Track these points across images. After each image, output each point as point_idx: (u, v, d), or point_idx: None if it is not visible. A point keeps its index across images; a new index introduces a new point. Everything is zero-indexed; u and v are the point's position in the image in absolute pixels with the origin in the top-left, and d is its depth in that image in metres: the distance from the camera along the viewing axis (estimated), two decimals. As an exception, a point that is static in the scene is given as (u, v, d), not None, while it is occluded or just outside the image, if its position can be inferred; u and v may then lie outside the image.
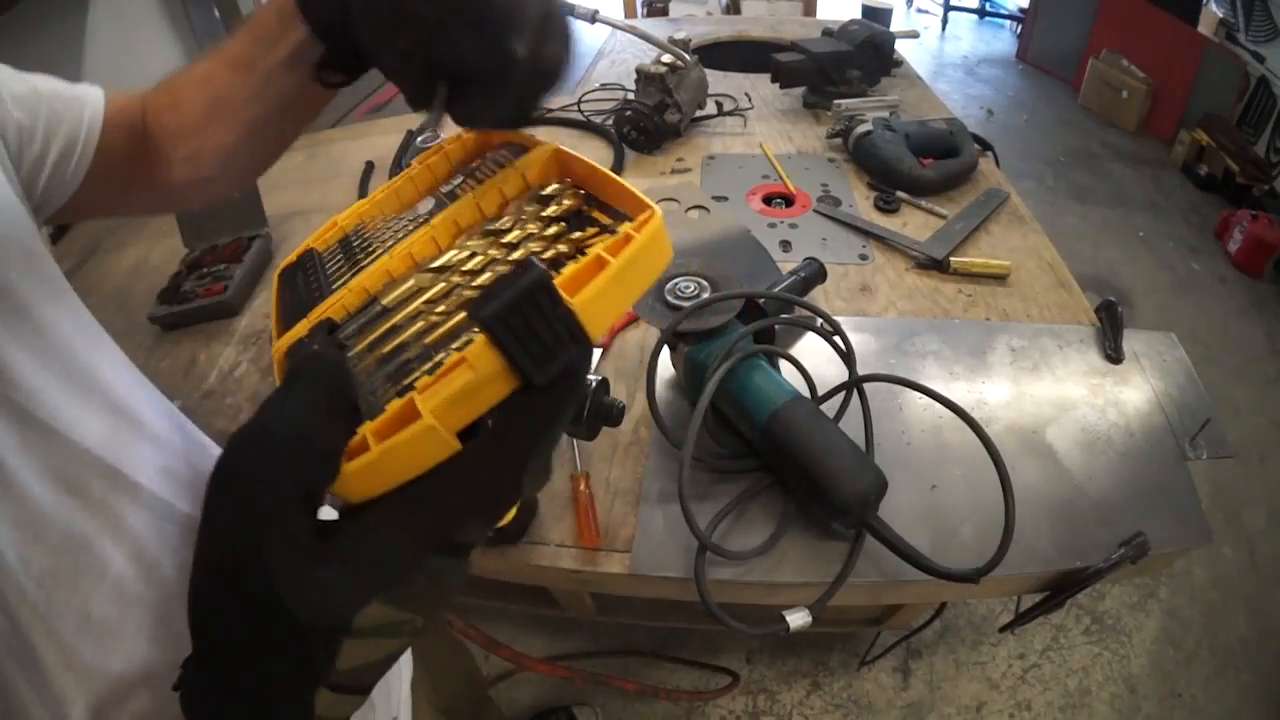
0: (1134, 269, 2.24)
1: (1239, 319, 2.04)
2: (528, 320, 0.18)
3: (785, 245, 0.85)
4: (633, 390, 0.66)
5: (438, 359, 0.22)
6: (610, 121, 1.08)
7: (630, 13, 3.03)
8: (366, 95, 1.29)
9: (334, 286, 0.28)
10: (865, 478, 0.49)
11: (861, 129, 0.99)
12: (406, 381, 0.22)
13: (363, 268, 0.28)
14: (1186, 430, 0.61)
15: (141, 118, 0.41)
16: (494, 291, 0.17)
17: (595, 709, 1.22)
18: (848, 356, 0.58)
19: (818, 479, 0.49)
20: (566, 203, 0.27)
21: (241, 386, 0.70)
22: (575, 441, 0.60)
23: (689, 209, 0.93)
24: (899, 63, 1.31)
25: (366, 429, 0.18)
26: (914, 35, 1.44)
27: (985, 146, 1.03)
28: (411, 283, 0.26)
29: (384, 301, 0.26)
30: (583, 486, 0.56)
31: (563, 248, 0.26)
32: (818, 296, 0.77)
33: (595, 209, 0.26)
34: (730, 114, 1.15)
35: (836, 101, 1.10)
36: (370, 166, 1.06)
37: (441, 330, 0.24)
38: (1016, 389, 0.65)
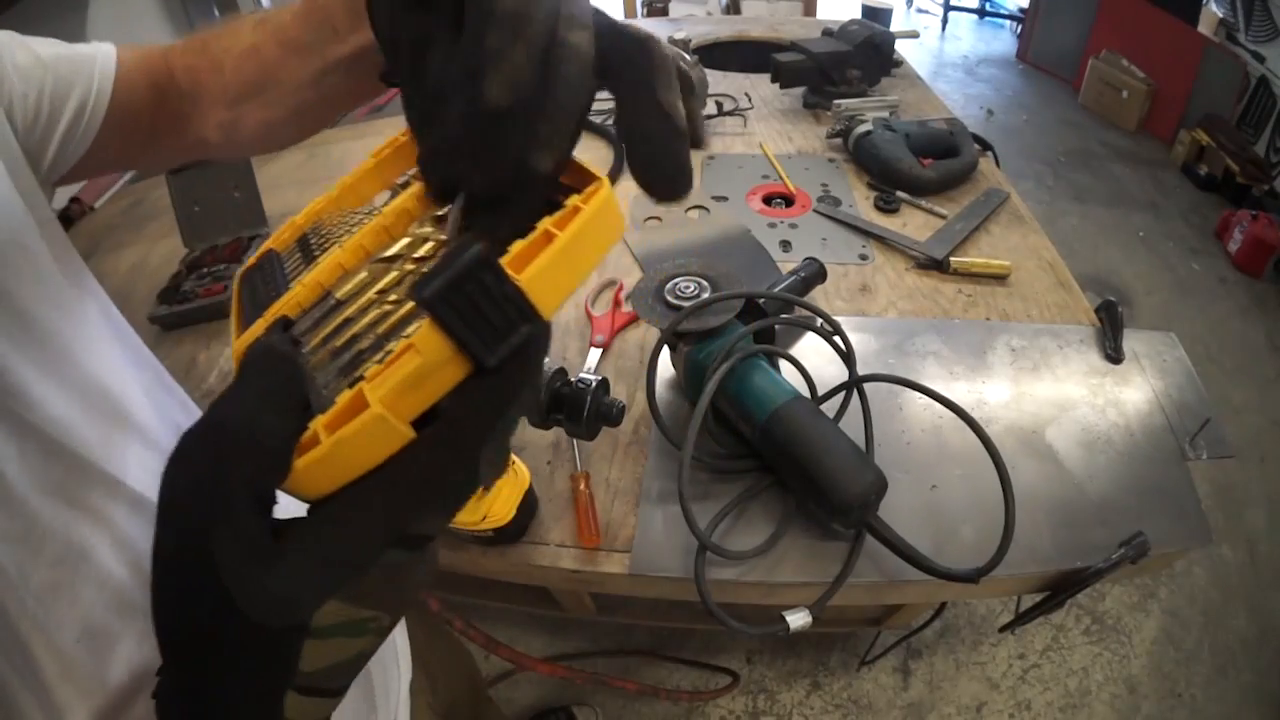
0: (1134, 269, 2.24)
1: (1239, 319, 2.04)
2: (473, 300, 0.17)
3: (785, 245, 0.85)
4: (633, 390, 0.66)
5: (389, 348, 0.22)
6: (610, 121, 1.08)
7: (630, 13, 3.03)
8: (366, 95, 1.29)
9: (290, 285, 0.28)
10: (865, 478, 0.49)
11: (861, 129, 0.99)
12: (358, 373, 0.21)
13: (318, 264, 0.28)
14: (1186, 430, 0.61)
15: (169, 72, 0.39)
16: (435, 272, 0.17)
17: (595, 709, 1.22)
18: (848, 356, 0.58)
19: (818, 479, 0.49)
20: None
21: (241, 386, 0.70)
22: (575, 441, 0.60)
23: (689, 209, 0.93)
24: (899, 63, 1.31)
25: (317, 423, 0.18)
26: (914, 35, 1.44)
27: (985, 146, 1.03)
28: (364, 274, 0.26)
29: (337, 295, 0.26)
30: (583, 486, 0.56)
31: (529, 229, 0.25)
32: (818, 296, 0.77)
33: (564, 193, 0.26)
34: (730, 114, 1.16)
35: (836, 101, 1.10)
36: (370, 166, 1.06)
37: (394, 319, 0.23)
38: (1016, 389, 0.65)
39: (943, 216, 0.89)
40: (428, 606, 0.58)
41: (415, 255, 0.25)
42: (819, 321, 0.59)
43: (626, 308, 0.75)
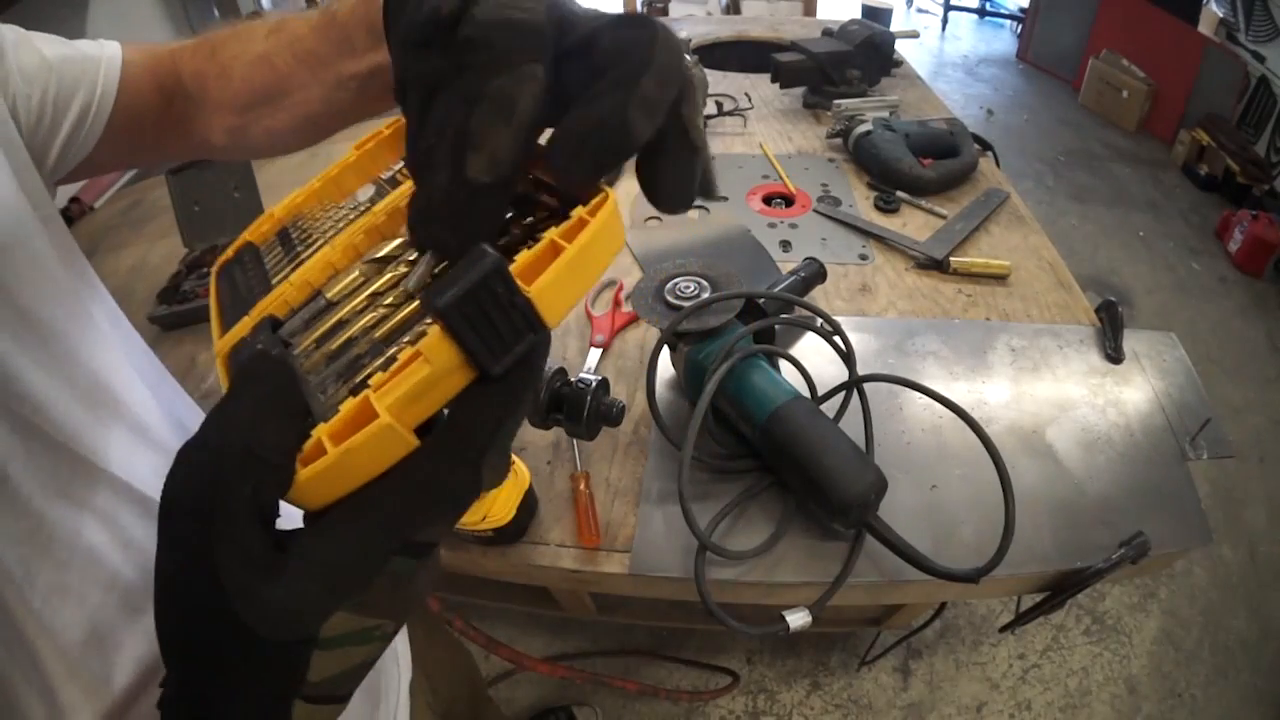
0: (1134, 269, 2.24)
1: (1239, 319, 2.04)
2: (484, 310, 0.17)
3: (785, 245, 0.85)
4: (633, 390, 0.66)
5: (390, 354, 0.22)
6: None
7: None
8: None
9: (274, 281, 0.27)
10: (865, 478, 0.49)
11: (861, 129, 0.99)
12: (359, 379, 0.21)
13: (303, 260, 0.27)
14: (1186, 430, 0.61)
15: (176, 75, 0.39)
16: (448, 281, 0.17)
17: (595, 709, 1.22)
18: (848, 356, 0.58)
19: (817, 479, 0.49)
20: None
21: (241, 386, 0.70)
22: (575, 441, 0.60)
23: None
24: (899, 63, 1.31)
25: (321, 431, 0.17)
26: (914, 35, 1.44)
27: (985, 146, 1.03)
28: (356, 274, 0.25)
29: (328, 295, 0.25)
30: (583, 486, 0.56)
31: (515, 231, 0.25)
32: (818, 296, 0.77)
33: (544, 191, 0.25)
34: (730, 114, 1.15)
35: (836, 101, 1.10)
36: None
37: (391, 323, 0.23)
38: (1016, 389, 0.65)
39: (943, 216, 0.89)
40: (428, 607, 0.58)
41: (410, 257, 0.25)
42: (819, 321, 0.59)
43: (626, 308, 0.75)
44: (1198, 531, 0.54)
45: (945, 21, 4.30)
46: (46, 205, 0.32)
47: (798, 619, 0.48)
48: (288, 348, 0.24)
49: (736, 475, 0.57)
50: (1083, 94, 3.22)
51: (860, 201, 0.94)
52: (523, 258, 0.19)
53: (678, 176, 0.22)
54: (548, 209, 0.25)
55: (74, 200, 1.10)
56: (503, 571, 0.56)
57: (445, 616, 0.59)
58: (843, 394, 0.59)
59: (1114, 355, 0.67)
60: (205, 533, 0.16)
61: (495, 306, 0.17)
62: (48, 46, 0.35)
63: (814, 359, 0.62)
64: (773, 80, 1.18)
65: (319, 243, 0.28)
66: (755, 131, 1.13)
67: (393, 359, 0.20)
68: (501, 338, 0.18)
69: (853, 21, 1.23)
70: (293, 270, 0.27)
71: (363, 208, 0.28)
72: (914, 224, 0.89)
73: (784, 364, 0.59)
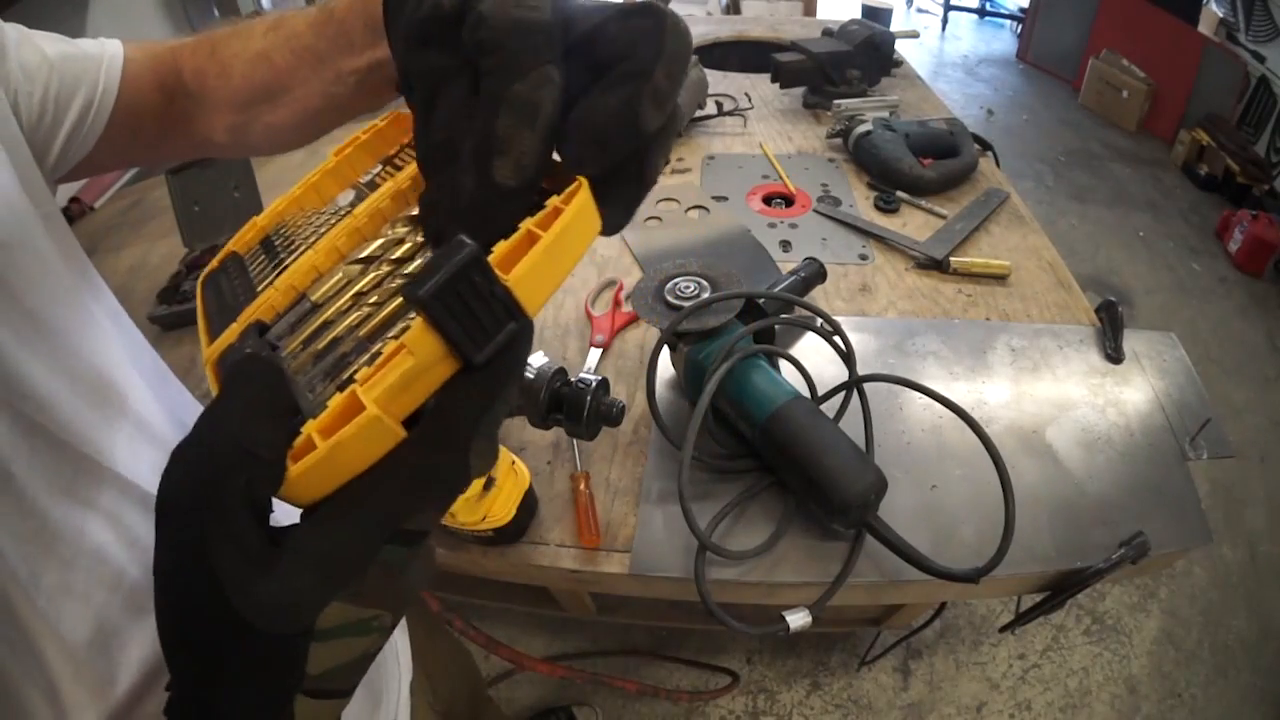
0: (1134, 269, 2.24)
1: (1239, 319, 2.04)
2: (464, 299, 0.17)
3: (785, 245, 0.85)
4: (633, 390, 0.66)
5: (375, 350, 0.22)
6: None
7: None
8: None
9: (259, 288, 0.28)
10: (865, 478, 0.49)
11: (861, 129, 0.99)
12: (345, 375, 0.22)
13: (287, 266, 0.27)
14: (1186, 430, 0.61)
15: (177, 73, 0.39)
16: (428, 272, 0.17)
17: (595, 709, 1.22)
18: (848, 356, 0.58)
19: (818, 479, 0.49)
20: None
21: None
22: (575, 441, 0.60)
23: (689, 209, 0.93)
24: (899, 63, 1.31)
25: (310, 427, 0.18)
26: (914, 35, 1.44)
27: (985, 146, 1.03)
28: (340, 276, 0.26)
29: (313, 298, 0.26)
30: (583, 486, 0.56)
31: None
32: (818, 296, 0.77)
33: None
34: (730, 114, 1.15)
35: (836, 101, 1.10)
36: (370, 166, 1.06)
37: (375, 321, 0.23)
38: (1016, 389, 0.65)
39: (943, 216, 0.89)
40: (428, 606, 0.58)
41: (392, 256, 0.25)
42: (819, 321, 0.59)
43: (626, 308, 0.75)
44: (1198, 531, 0.54)
45: (945, 21, 4.30)
46: (48, 203, 0.32)
47: (798, 619, 0.48)
48: (275, 350, 0.25)
49: (736, 475, 0.57)
50: (1083, 94, 3.22)
51: (860, 201, 0.94)
52: (500, 248, 0.20)
53: (626, 209, 0.23)
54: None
55: (74, 200, 1.10)
56: (503, 571, 0.56)
57: (445, 616, 0.59)
58: (843, 394, 0.59)
59: (1114, 355, 0.67)
60: (201, 529, 0.17)
61: (475, 296, 0.18)
62: (49, 44, 0.35)
63: (814, 359, 0.62)
64: (773, 80, 1.18)
65: (301, 248, 0.28)
66: (755, 131, 1.13)
67: (378, 354, 0.20)
68: (483, 327, 0.18)
69: (853, 21, 1.23)
70: (277, 276, 0.27)
71: (343, 212, 0.29)
72: (914, 224, 0.89)
73: (784, 364, 0.59)
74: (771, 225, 0.89)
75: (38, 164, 0.33)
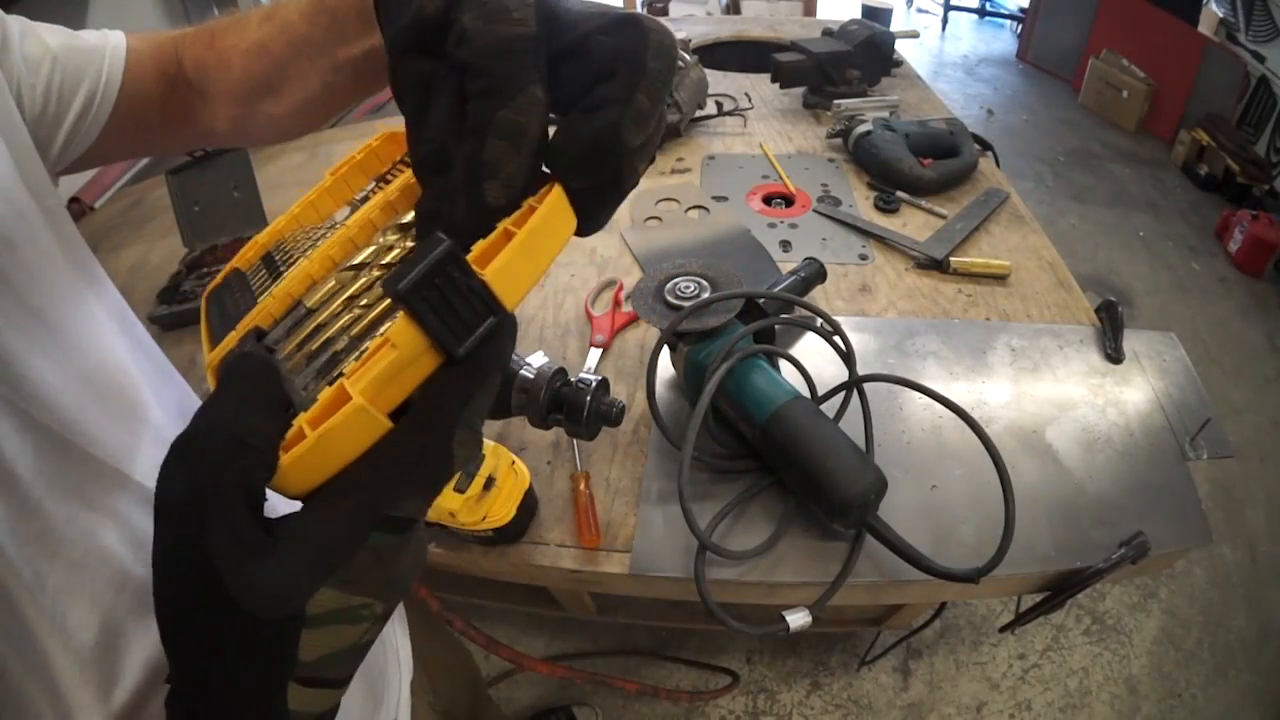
0: (1134, 269, 2.24)
1: (1239, 319, 2.04)
2: (442, 293, 0.18)
3: (785, 245, 0.85)
4: (633, 390, 0.66)
5: (364, 348, 0.23)
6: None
7: (630, 13, 3.02)
8: (366, 95, 1.29)
9: (259, 299, 0.29)
10: (865, 478, 0.49)
11: (861, 129, 0.99)
12: (337, 373, 0.23)
13: (285, 277, 0.29)
14: (1186, 430, 0.61)
15: (179, 63, 0.40)
16: (406, 267, 0.18)
17: (595, 709, 1.22)
18: (848, 356, 0.58)
19: (818, 479, 0.49)
20: None
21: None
22: (575, 441, 0.60)
23: (689, 209, 0.93)
24: (899, 63, 1.31)
25: (301, 419, 0.19)
26: (914, 35, 1.44)
27: (985, 146, 1.03)
28: (333, 282, 0.27)
29: (308, 304, 0.27)
30: (583, 486, 0.56)
31: None
32: (818, 296, 0.77)
33: None
34: (730, 114, 1.16)
35: (836, 101, 1.10)
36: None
37: (365, 322, 0.24)
38: (1016, 389, 0.65)
39: (943, 216, 0.89)
40: (428, 606, 0.58)
41: (382, 262, 0.26)
42: (819, 321, 0.59)
43: (626, 308, 0.75)
44: (1198, 531, 0.54)
45: (945, 21, 4.30)
46: (50, 195, 0.32)
47: (798, 619, 0.48)
48: (271, 353, 0.26)
49: (736, 475, 0.57)
50: (1083, 94, 3.22)
51: (860, 201, 0.94)
52: (477, 246, 0.21)
53: (604, 219, 0.24)
54: None
55: (74, 200, 1.10)
56: (503, 571, 0.56)
57: (445, 616, 0.59)
58: (843, 394, 0.59)
59: (1114, 355, 0.67)
60: (197, 517, 0.17)
61: (453, 290, 0.18)
62: (53, 36, 0.35)
63: (814, 359, 0.62)
64: (773, 80, 1.18)
65: (299, 261, 0.30)
66: (755, 131, 1.13)
67: (365, 351, 0.21)
68: (463, 320, 0.19)
69: (853, 21, 1.23)
70: (277, 285, 0.29)
71: (338, 225, 0.30)
72: (914, 224, 0.89)
73: (784, 364, 0.59)
74: (771, 225, 0.89)
75: (40, 156, 0.32)
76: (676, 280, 0.59)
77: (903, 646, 1.28)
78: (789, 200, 0.94)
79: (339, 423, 0.18)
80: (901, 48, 1.26)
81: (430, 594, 0.58)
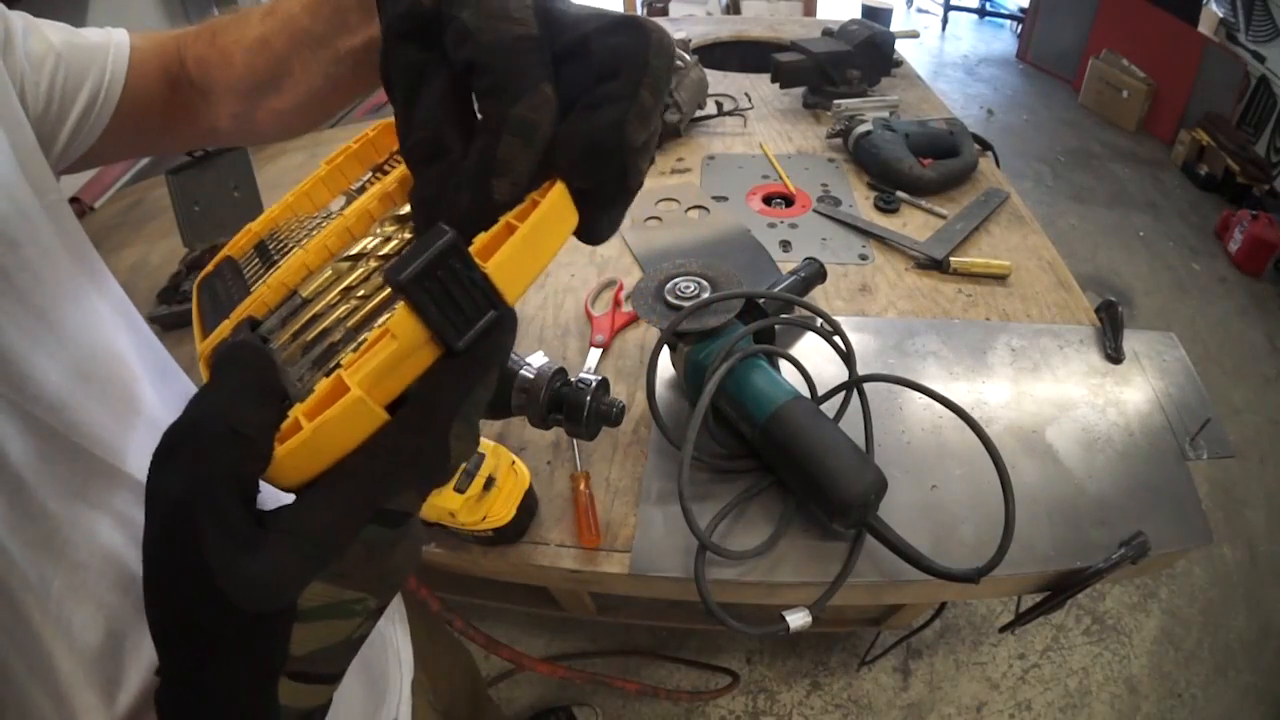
0: (1134, 269, 2.24)
1: (1239, 319, 2.04)
2: (444, 285, 0.18)
3: (785, 245, 0.85)
4: (633, 390, 0.66)
5: (361, 339, 0.23)
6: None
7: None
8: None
9: (252, 288, 0.28)
10: (865, 478, 0.49)
11: (861, 129, 0.99)
12: (333, 364, 0.22)
13: (280, 266, 0.29)
14: (1186, 430, 0.61)
15: (181, 61, 0.40)
16: (409, 257, 0.18)
17: (595, 709, 1.22)
18: (848, 356, 0.58)
19: (818, 479, 0.49)
20: None
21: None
22: (575, 441, 0.60)
23: (689, 209, 0.93)
24: (899, 63, 1.31)
25: (297, 410, 0.18)
26: (914, 35, 1.44)
27: (985, 146, 1.03)
28: (329, 272, 0.27)
29: (303, 294, 0.27)
30: (583, 486, 0.56)
31: None
32: (818, 296, 0.77)
33: None
34: (730, 114, 1.16)
35: (836, 101, 1.10)
36: (370, 166, 1.06)
37: (363, 313, 0.24)
38: (1016, 389, 0.65)
39: (943, 216, 0.89)
40: (428, 606, 0.58)
41: (381, 253, 0.26)
42: (819, 321, 0.59)
43: (626, 308, 0.75)
44: (1198, 531, 0.54)
45: (945, 21, 4.30)
46: (53, 192, 0.32)
47: (798, 619, 0.48)
48: (266, 343, 0.25)
49: (736, 475, 0.57)
50: (1083, 94, 3.22)
51: (860, 201, 0.94)
52: (480, 239, 0.20)
53: (610, 223, 0.24)
54: None
55: (74, 200, 1.10)
56: (503, 571, 0.56)
57: (445, 616, 0.59)
58: (843, 394, 0.59)
59: (1114, 355, 0.67)
60: (188, 508, 0.17)
61: (455, 282, 0.18)
62: (56, 34, 0.35)
63: (814, 359, 0.62)
64: (773, 80, 1.18)
65: (293, 250, 0.29)
66: (755, 131, 1.13)
67: (364, 342, 0.20)
68: (463, 313, 0.19)
69: (853, 21, 1.23)
70: (270, 276, 0.28)
71: (334, 216, 0.30)
72: (914, 224, 0.89)
73: (784, 364, 0.59)
74: (771, 225, 0.89)
75: (44, 154, 0.32)
76: (676, 280, 0.59)
77: (903, 646, 1.28)
78: (789, 200, 0.94)
79: (336, 414, 0.18)
80: (901, 48, 1.27)
81: (430, 594, 0.58)
